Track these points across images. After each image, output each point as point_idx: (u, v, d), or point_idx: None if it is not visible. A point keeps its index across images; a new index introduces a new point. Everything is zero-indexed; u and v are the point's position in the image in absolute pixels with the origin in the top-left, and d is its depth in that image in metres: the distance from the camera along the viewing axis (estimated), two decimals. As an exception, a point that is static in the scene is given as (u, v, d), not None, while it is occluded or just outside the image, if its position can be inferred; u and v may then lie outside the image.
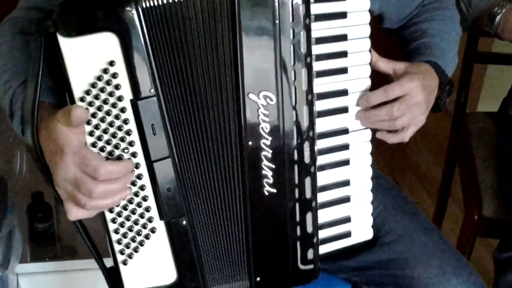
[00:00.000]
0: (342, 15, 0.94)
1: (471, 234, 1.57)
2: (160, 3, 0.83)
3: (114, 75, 0.83)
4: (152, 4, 0.83)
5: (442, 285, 1.03)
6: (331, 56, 0.95)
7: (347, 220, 1.03)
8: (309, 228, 0.97)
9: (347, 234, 1.04)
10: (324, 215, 1.00)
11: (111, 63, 0.82)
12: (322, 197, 0.99)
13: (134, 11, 0.82)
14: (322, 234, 1.01)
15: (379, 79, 1.01)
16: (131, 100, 0.84)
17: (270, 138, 0.90)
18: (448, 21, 1.17)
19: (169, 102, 0.87)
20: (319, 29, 0.92)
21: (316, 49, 0.92)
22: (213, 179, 0.92)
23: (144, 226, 0.91)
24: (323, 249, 1.02)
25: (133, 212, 0.89)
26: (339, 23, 0.94)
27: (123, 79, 0.83)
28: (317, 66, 0.93)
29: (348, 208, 1.03)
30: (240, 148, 0.90)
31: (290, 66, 0.88)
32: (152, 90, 0.85)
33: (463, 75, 1.81)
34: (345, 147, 1.00)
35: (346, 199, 1.02)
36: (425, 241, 1.08)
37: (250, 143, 0.90)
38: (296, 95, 0.89)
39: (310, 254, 0.99)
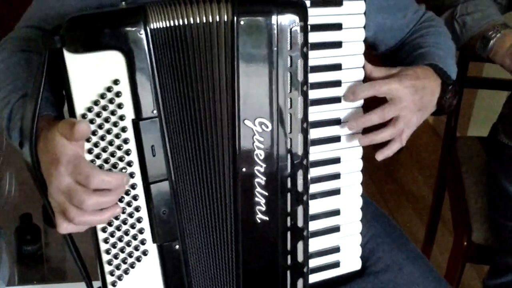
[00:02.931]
0: (337, 44, 0.94)
1: (461, 260, 1.56)
2: (168, 25, 0.83)
3: (118, 94, 0.82)
4: (160, 26, 0.83)
5: None
6: (325, 85, 0.95)
7: (336, 250, 1.03)
8: (300, 257, 0.96)
9: (335, 264, 1.04)
10: (313, 244, 1.00)
11: (116, 82, 0.82)
12: (312, 226, 0.99)
13: (142, 32, 0.82)
14: (311, 263, 1.00)
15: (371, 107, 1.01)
16: (132, 120, 0.84)
17: (264, 165, 0.89)
18: (442, 36, 1.19)
19: (170, 125, 0.87)
20: (314, 57, 0.92)
21: (311, 78, 0.91)
22: (206, 204, 0.91)
23: (136, 248, 0.90)
24: (312, 278, 1.01)
25: (126, 233, 0.88)
26: (334, 53, 0.95)
27: (126, 98, 0.83)
28: (311, 94, 0.92)
29: (337, 238, 1.03)
30: (233, 175, 0.89)
31: (286, 94, 0.88)
32: (155, 111, 0.85)
33: (454, 100, 1.82)
34: (336, 176, 1.00)
35: (335, 229, 1.02)
36: (412, 271, 1.08)
37: (244, 169, 0.89)
38: (291, 123, 0.89)
39: (300, 283, 0.97)
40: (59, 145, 0.80)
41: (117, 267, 0.89)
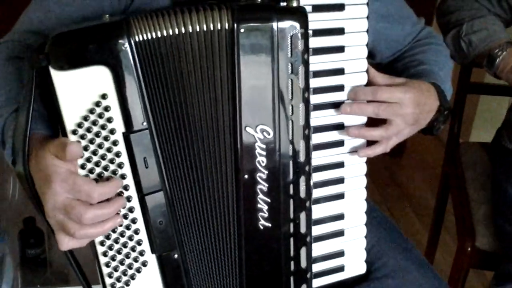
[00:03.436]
0: (340, 49, 0.95)
1: (464, 266, 1.56)
2: (154, 36, 0.83)
3: (107, 108, 0.82)
4: (145, 38, 0.83)
5: None
6: (328, 90, 0.95)
7: (340, 254, 1.03)
8: (303, 263, 0.96)
9: (340, 268, 1.04)
10: (317, 249, 1.00)
11: (104, 96, 0.82)
12: (316, 230, 0.99)
13: (127, 45, 0.82)
14: (315, 267, 1.00)
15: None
16: (123, 133, 0.84)
17: (266, 172, 0.89)
18: (442, 55, 1.19)
19: (162, 135, 0.87)
20: (316, 62, 0.92)
21: (314, 82, 0.92)
22: (207, 212, 0.91)
23: (135, 260, 0.90)
24: (316, 283, 1.01)
25: (124, 245, 0.89)
26: (336, 57, 0.95)
27: (115, 112, 0.83)
28: (314, 99, 0.93)
29: (341, 242, 1.03)
30: (236, 182, 0.89)
31: (287, 101, 0.88)
32: (145, 123, 0.85)
33: (456, 105, 1.82)
34: (340, 180, 1.00)
35: (340, 233, 1.02)
36: (417, 277, 1.07)
37: (246, 176, 0.89)
38: (293, 130, 0.89)
39: (303, 289, 0.98)
40: (51, 164, 0.80)
41: (118, 279, 0.90)
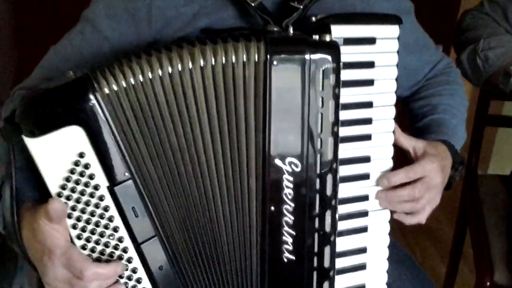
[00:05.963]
0: (369, 82, 0.94)
1: (483, 301, 1.54)
2: (122, 86, 0.82)
3: (86, 166, 0.82)
4: (111, 89, 0.82)
5: None
6: (356, 123, 0.95)
7: (361, 287, 1.01)
8: (326, 298, 0.95)
9: (361, 303, 1.02)
10: (339, 282, 0.98)
11: (81, 155, 0.82)
12: (338, 263, 0.97)
13: (93, 101, 0.81)
14: (336, 301, 0.99)
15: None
16: (107, 187, 0.84)
17: (292, 205, 0.89)
18: (457, 95, 1.18)
19: (147, 182, 0.86)
20: (345, 95, 0.91)
21: (341, 115, 0.91)
22: (227, 246, 0.91)
23: None
24: (336, 316, 1.00)
25: None
26: (365, 90, 0.94)
27: (96, 168, 0.83)
28: (341, 131, 0.92)
29: (363, 276, 1.01)
30: (262, 213, 0.89)
31: (316, 134, 0.87)
32: (127, 174, 0.85)
33: (474, 138, 1.81)
34: (364, 214, 0.99)
35: (362, 267, 1.01)
36: None
37: (272, 208, 0.88)
38: (321, 163, 0.88)
39: (325, 323, 0.96)
40: (48, 235, 0.81)
41: None
